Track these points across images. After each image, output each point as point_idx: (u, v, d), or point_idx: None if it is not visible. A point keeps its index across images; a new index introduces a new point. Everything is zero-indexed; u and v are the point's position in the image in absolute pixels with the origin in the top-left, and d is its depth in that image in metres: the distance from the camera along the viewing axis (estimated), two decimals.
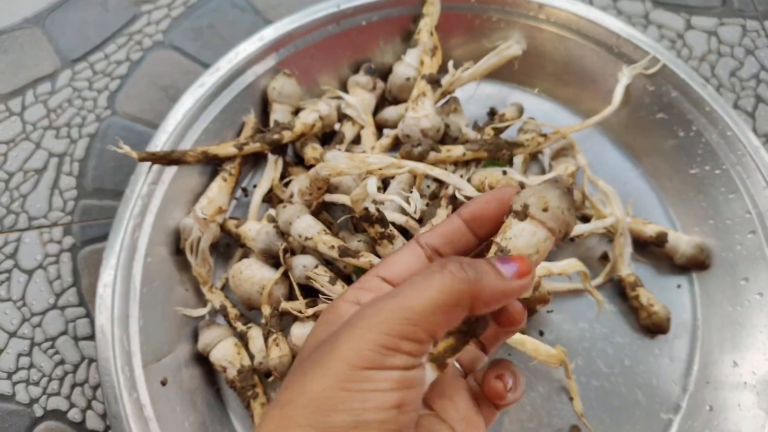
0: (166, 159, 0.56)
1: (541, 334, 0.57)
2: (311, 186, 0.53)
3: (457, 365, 0.31)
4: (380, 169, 0.48)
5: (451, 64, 0.61)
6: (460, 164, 0.56)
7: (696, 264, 0.57)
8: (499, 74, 0.64)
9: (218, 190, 0.58)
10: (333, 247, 0.50)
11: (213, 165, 0.60)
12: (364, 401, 0.23)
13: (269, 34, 0.61)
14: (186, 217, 0.57)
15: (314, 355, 0.25)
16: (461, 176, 0.55)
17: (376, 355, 0.23)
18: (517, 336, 0.48)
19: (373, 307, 0.24)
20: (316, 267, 0.52)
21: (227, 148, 0.58)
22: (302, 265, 0.51)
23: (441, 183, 0.56)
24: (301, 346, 0.28)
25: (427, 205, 0.54)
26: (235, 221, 0.57)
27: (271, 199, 0.60)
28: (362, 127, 0.60)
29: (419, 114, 0.55)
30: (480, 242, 0.31)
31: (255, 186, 0.60)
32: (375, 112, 0.63)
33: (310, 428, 0.22)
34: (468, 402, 0.29)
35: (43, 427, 0.55)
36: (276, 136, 0.58)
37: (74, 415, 0.56)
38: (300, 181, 0.54)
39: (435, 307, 0.24)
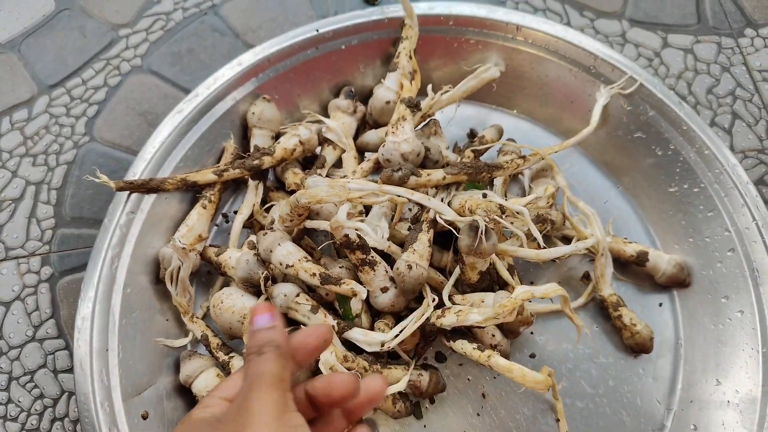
0: (144, 188, 0.55)
1: (533, 356, 0.57)
2: (292, 213, 0.52)
3: None
4: (360, 197, 0.48)
5: (429, 88, 0.61)
6: (440, 187, 0.56)
7: (677, 282, 0.58)
8: (479, 96, 0.65)
9: (198, 217, 0.58)
10: (314, 274, 0.50)
11: (193, 192, 0.59)
12: None
13: (248, 58, 0.61)
14: (165, 246, 0.56)
15: None
16: (442, 199, 0.55)
17: None
18: (504, 363, 0.48)
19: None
20: (298, 295, 0.51)
21: (207, 175, 0.57)
22: (283, 293, 0.51)
23: (422, 207, 0.55)
24: None
25: (409, 228, 0.54)
26: (215, 249, 0.57)
27: (252, 224, 0.59)
28: (343, 151, 0.60)
29: (399, 138, 0.55)
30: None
31: (235, 212, 0.60)
32: (356, 135, 0.63)
33: None
34: None
35: None
36: (256, 162, 0.58)
37: None
38: (281, 207, 0.54)
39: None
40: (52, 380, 0.57)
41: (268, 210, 0.59)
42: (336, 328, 0.51)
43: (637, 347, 0.56)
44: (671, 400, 0.56)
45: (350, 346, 0.51)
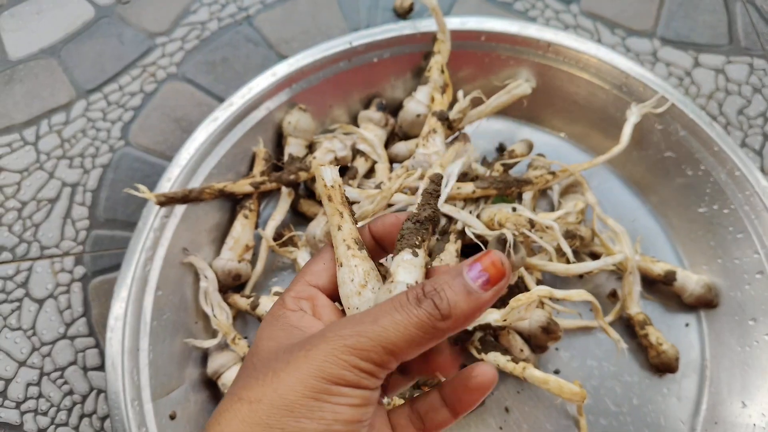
0: (183, 199, 0.56)
1: (557, 372, 0.57)
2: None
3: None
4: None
5: (460, 93, 0.61)
6: (469, 201, 0.57)
7: (704, 303, 0.58)
8: (508, 110, 0.65)
9: (242, 228, 0.59)
10: None
11: (228, 200, 0.61)
12: (335, 413, 0.23)
13: (282, 69, 0.62)
14: (218, 258, 0.58)
15: (285, 357, 0.25)
16: (470, 212, 0.55)
17: (352, 375, 0.24)
18: (540, 374, 0.48)
19: (349, 328, 0.25)
20: None
21: (243, 186, 0.58)
22: None
23: (450, 219, 0.56)
24: (255, 344, 0.29)
25: (438, 239, 0.55)
26: (248, 300, 0.57)
27: (281, 235, 0.60)
28: (374, 162, 0.61)
29: (430, 150, 0.56)
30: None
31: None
32: (385, 147, 0.64)
33: (280, 430, 0.23)
34: (383, 423, 0.29)
35: None
36: (292, 177, 0.59)
37: None
38: (321, 224, 0.55)
39: (412, 342, 0.24)
40: (81, 377, 0.58)
41: (296, 211, 0.60)
42: None
43: (663, 367, 0.56)
44: (695, 421, 0.55)
45: None
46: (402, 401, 0.42)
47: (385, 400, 0.33)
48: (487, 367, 0.29)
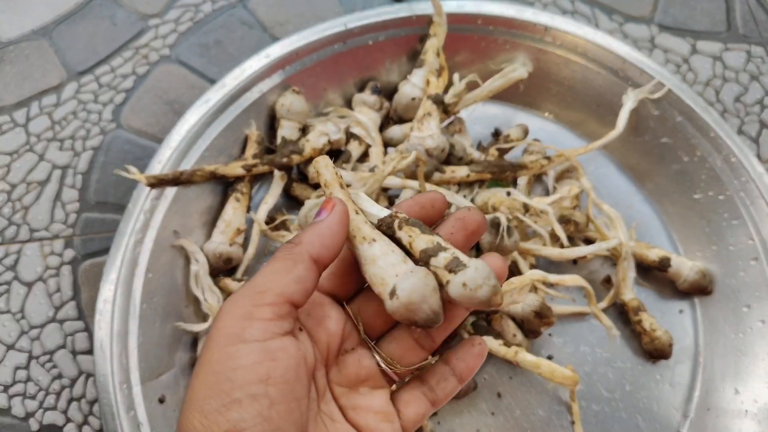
0: (174, 181, 0.56)
1: (550, 358, 0.56)
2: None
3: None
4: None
5: (456, 77, 0.61)
6: (463, 185, 0.56)
7: (699, 289, 0.57)
8: (504, 95, 0.64)
9: (233, 211, 0.58)
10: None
11: (219, 183, 0.60)
12: (231, 381, 0.24)
13: (276, 51, 0.62)
14: (209, 242, 0.57)
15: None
16: (465, 197, 0.55)
17: (236, 329, 0.25)
18: (532, 358, 0.48)
19: (233, 294, 0.27)
20: None
21: (235, 169, 0.58)
22: None
23: None
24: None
25: None
26: (240, 284, 0.56)
27: (272, 219, 0.60)
28: (369, 146, 0.60)
29: (424, 134, 0.55)
30: None
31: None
32: (379, 131, 0.63)
33: (198, 420, 0.24)
34: (383, 402, 0.30)
35: None
36: (285, 160, 0.58)
37: (70, 430, 0.55)
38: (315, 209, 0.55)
39: (274, 272, 0.26)
40: (70, 361, 0.57)
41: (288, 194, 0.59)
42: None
43: (656, 353, 0.55)
44: (688, 407, 0.55)
45: None
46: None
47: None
48: (482, 339, 0.33)
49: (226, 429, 0.24)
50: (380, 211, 0.32)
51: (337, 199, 0.30)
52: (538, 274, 0.47)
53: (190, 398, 0.25)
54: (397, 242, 0.30)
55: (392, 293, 0.28)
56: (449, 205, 0.33)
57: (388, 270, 0.29)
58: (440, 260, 0.28)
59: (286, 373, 0.26)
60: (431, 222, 0.32)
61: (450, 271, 0.28)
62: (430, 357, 0.32)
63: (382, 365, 0.31)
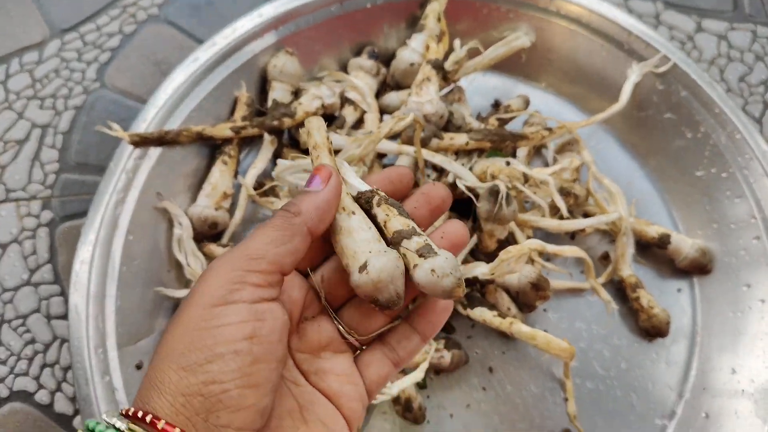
0: (159, 141, 0.53)
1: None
2: None
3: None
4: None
5: (457, 43, 0.59)
6: (462, 153, 0.54)
7: (698, 268, 0.56)
8: (505, 66, 0.63)
9: (220, 175, 0.56)
10: None
11: (203, 141, 0.57)
12: (215, 337, 0.25)
13: (269, 11, 0.59)
14: (193, 206, 0.55)
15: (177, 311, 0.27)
16: (463, 165, 0.53)
17: (224, 291, 0.25)
18: (528, 329, 0.46)
19: (222, 257, 0.27)
20: None
21: (223, 131, 0.55)
22: None
23: (441, 171, 0.54)
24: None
25: None
26: (225, 250, 0.54)
27: (261, 185, 0.57)
28: (364, 113, 0.58)
29: (423, 99, 0.53)
30: None
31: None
32: (375, 97, 0.61)
33: (174, 371, 0.24)
34: (346, 365, 0.31)
35: (7, 409, 0.52)
36: (276, 123, 0.56)
37: (42, 397, 0.53)
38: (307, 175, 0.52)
39: (271, 240, 0.27)
40: (44, 326, 0.55)
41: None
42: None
43: (653, 330, 0.54)
44: (684, 387, 0.54)
45: None
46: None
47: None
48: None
49: (204, 380, 0.24)
50: (361, 185, 0.32)
51: (331, 168, 0.30)
52: (536, 243, 0.45)
53: (166, 353, 0.25)
54: (372, 218, 0.31)
55: (362, 268, 0.28)
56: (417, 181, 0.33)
57: (362, 245, 0.29)
58: (412, 244, 0.29)
59: (271, 334, 0.26)
60: (399, 197, 0.32)
61: (420, 256, 0.28)
62: (391, 323, 0.32)
63: (343, 333, 0.31)
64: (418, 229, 0.30)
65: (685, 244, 0.56)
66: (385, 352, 0.32)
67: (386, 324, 0.32)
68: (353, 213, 0.30)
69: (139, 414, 0.24)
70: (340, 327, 0.31)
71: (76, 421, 0.52)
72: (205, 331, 0.25)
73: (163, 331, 0.28)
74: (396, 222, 0.30)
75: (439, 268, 0.28)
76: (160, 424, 0.23)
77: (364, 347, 0.32)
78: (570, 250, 0.47)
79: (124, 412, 0.25)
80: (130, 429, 0.24)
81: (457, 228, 0.31)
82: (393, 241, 0.30)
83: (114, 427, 0.24)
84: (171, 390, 0.24)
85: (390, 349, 0.32)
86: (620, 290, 0.56)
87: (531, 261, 0.52)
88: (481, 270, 0.47)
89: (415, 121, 0.45)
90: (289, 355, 0.30)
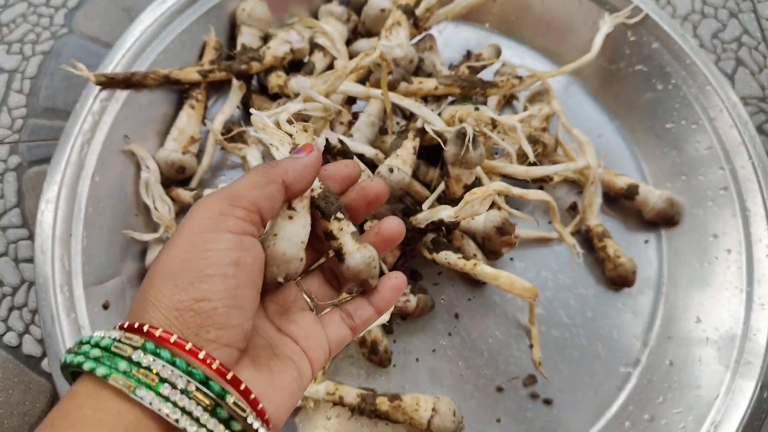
0: (125, 83, 0.53)
1: None
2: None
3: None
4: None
5: None
6: (431, 100, 0.54)
7: (665, 218, 0.56)
8: (477, 17, 0.62)
9: (187, 119, 0.55)
10: None
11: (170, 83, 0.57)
12: (205, 260, 0.27)
13: None
14: (161, 150, 0.54)
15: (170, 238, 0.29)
16: (432, 110, 0.53)
17: (212, 221, 0.28)
18: (491, 270, 0.46)
19: (209, 195, 0.29)
20: None
21: (191, 74, 0.55)
22: None
23: (410, 117, 0.53)
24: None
25: (395, 136, 0.52)
26: (192, 193, 0.54)
27: (229, 130, 0.57)
28: (334, 59, 0.58)
29: (392, 43, 0.52)
30: None
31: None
32: (346, 45, 0.60)
33: (168, 288, 0.26)
34: (310, 320, 0.33)
35: None
36: (244, 67, 0.55)
37: (10, 339, 0.53)
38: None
39: (250, 184, 0.29)
40: (12, 269, 0.55)
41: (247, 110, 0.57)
42: None
43: (619, 279, 0.54)
44: (648, 336, 0.55)
45: None
46: None
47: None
48: (400, 273, 0.35)
49: (195, 297, 0.26)
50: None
51: (315, 147, 0.33)
52: (501, 185, 0.45)
53: (160, 272, 0.27)
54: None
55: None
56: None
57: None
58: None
59: (253, 263, 0.29)
60: (340, 191, 0.35)
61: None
62: (345, 294, 0.36)
63: (306, 298, 0.34)
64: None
65: (653, 194, 0.56)
66: (343, 318, 0.34)
67: (342, 294, 0.36)
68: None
69: (135, 325, 0.26)
70: (304, 292, 0.34)
71: (45, 364, 0.52)
72: (197, 254, 0.27)
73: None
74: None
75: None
76: (158, 332, 0.25)
77: (326, 311, 0.35)
78: (535, 194, 0.47)
79: (118, 327, 0.26)
80: (126, 337, 0.26)
81: (392, 224, 0.35)
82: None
83: (109, 337, 0.26)
84: (165, 304, 0.26)
85: (347, 315, 0.34)
86: (587, 241, 0.57)
87: (498, 208, 0.52)
88: (446, 213, 0.47)
89: (382, 57, 0.45)
90: (261, 307, 0.32)
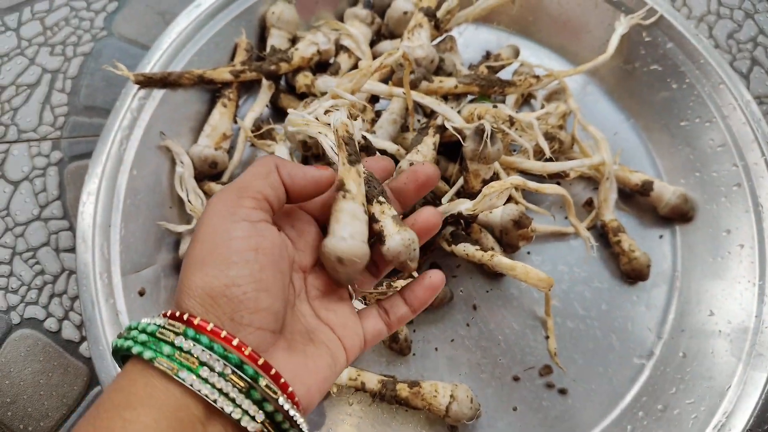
0: (162, 82, 0.56)
1: None
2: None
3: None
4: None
5: None
6: (451, 98, 0.56)
7: (680, 214, 0.58)
8: (496, 18, 0.64)
9: (220, 117, 0.58)
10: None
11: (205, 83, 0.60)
12: (228, 248, 0.29)
13: None
14: (194, 146, 0.57)
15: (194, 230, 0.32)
16: (452, 108, 0.55)
17: (227, 213, 0.30)
18: (508, 261, 0.48)
19: (220, 191, 0.32)
20: None
21: (223, 74, 0.58)
22: None
23: (431, 115, 0.56)
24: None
25: (416, 132, 0.54)
26: (220, 187, 0.56)
27: (258, 128, 0.60)
28: (359, 60, 0.60)
29: (414, 43, 0.55)
30: None
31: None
32: (370, 47, 0.63)
33: (199, 277, 0.29)
34: (348, 311, 0.35)
35: (18, 335, 0.55)
36: (273, 68, 0.58)
37: (50, 324, 0.56)
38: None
39: (253, 175, 0.31)
40: (53, 258, 0.58)
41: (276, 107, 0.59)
42: None
43: (634, 273, 0.56)
44: (662, 329, 0.56)
45: None
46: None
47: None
48: (437, 272, 0.36)
49: (225, 283, 0.28)
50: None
51: (334, 176, 0.34)
52: (518, 179, 0.47)
53: (193, 261, 0.29)
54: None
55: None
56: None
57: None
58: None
59: (272, 247, 0.30)
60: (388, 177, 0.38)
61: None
62: (387, 288, 0.38)
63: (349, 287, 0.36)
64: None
65: (667, 190, 0.57)
66: (380, 313, 0.36)
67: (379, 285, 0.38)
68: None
69: (177, 314, 0.28)
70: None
71: (83, 347, 0.55)
72: (220, 243, 0.29)
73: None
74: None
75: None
76: (196, 321, 0.28)
77: (365, 304, 0.38)
78: (551, 188, 0.48)
79: (162, 314, 0.29)
80: (169, 324, 0.28)
81: (429, 214, 0.36)
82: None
83: (155, 323, 0.28)
84: (199, 293, 0.28)
85: (384, 311, 0.36)
86: (602, 236, 0.58)
87: (515, 203, 0.54)
88: (464, 206, 0.49)
89: (404, 57, 0.47)
90: (304, 289, 0.34)
